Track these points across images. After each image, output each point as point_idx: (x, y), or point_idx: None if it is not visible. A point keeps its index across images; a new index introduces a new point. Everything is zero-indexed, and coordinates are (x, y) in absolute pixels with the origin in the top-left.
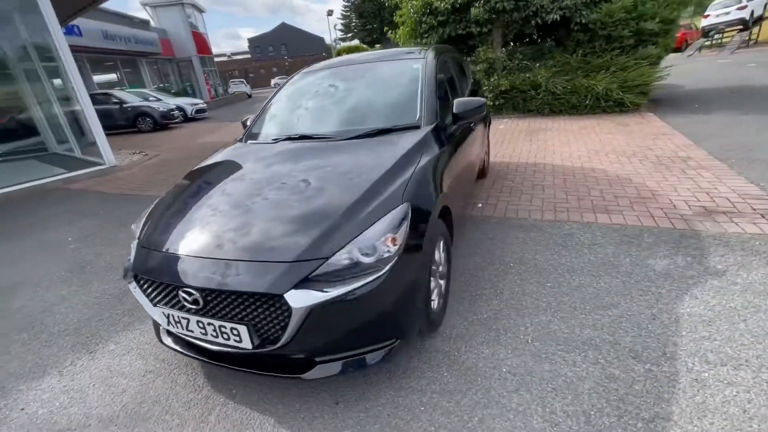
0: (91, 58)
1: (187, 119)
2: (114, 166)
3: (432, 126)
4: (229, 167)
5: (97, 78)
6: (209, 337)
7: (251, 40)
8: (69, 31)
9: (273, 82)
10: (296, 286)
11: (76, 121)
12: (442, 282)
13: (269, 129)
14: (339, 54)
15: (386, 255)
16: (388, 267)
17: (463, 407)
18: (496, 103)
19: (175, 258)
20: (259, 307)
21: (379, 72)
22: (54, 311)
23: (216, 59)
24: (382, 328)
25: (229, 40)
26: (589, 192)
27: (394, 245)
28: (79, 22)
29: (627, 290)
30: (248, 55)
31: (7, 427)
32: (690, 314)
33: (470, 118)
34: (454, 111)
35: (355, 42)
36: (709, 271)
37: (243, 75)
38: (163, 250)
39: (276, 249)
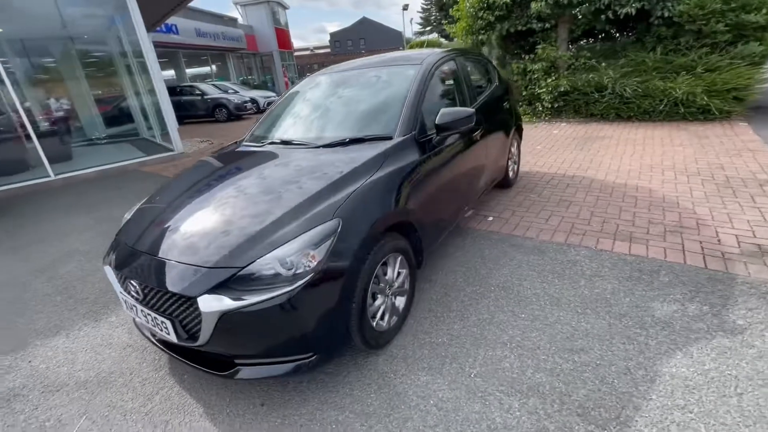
0: (187, 53)
1: (259, 111)
2: (182, 152)
3: (405, 137)
4: (205, 169)
5: (191, 71)
6: (150, 325)
7: (332, 35)
8: (168, 30)
9: None
10: (210, 291)
11: (159, 111)
12: (398, 299)
13: (261, 132)
14: (411, 48)
15: (302, 270)
16: (301, 282)
17: None
18: (555, 105)
19: (131, 251)
20: (179, 306)
21: (373, 78)
22: (86, 280)
23: (299, 53)
24: (298, 341)
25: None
26: (619, 214)
27: (313, 261)
28: (177, 21)
29: (609, 335)
30: (328, 49)
31: (13, 375)
32: (673, 375)
33: (456, 129)
34: (436, 121)
35: (433, 36)
36: (723, 327)
37: (321, 68)
38: (126, 242)
39: (199, 254)
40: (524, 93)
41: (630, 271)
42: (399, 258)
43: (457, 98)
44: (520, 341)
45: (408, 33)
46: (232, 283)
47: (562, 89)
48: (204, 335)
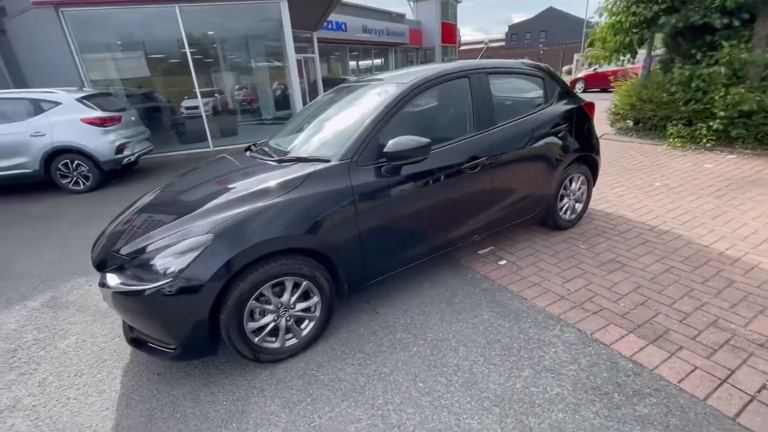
0: (353, 48)
1: None
2: None
3: (342, 162)
4: (192, 173)
5: (360, 64)
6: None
7: (511, 27)
8: (338, 27)
9: None
10: (112, 270)
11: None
12: (304, 325)
13: (272, 137)
14: (590, 43)
15: (165, 274)
16: (159, 284)
17: None
18: (728, 129)
19: (101, 235)
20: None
21: (363, 95)
22: None
23: (470, 47)
24: (160, 332)
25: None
26: (677, 299)
27: (174, 269)
28: (346, 19)
29: None
30: (502, 43)
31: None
32: None
33: (408, 160)
34: (384, 149)
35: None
36: None
37: None
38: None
39: (118, 245)
40: (683, 108)
41: (607, 381)
42: (304, 283)
43: (452, 122)
44: (387, 412)
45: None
46: (125, 269)
47: (747, 107)
48: (110, 305)
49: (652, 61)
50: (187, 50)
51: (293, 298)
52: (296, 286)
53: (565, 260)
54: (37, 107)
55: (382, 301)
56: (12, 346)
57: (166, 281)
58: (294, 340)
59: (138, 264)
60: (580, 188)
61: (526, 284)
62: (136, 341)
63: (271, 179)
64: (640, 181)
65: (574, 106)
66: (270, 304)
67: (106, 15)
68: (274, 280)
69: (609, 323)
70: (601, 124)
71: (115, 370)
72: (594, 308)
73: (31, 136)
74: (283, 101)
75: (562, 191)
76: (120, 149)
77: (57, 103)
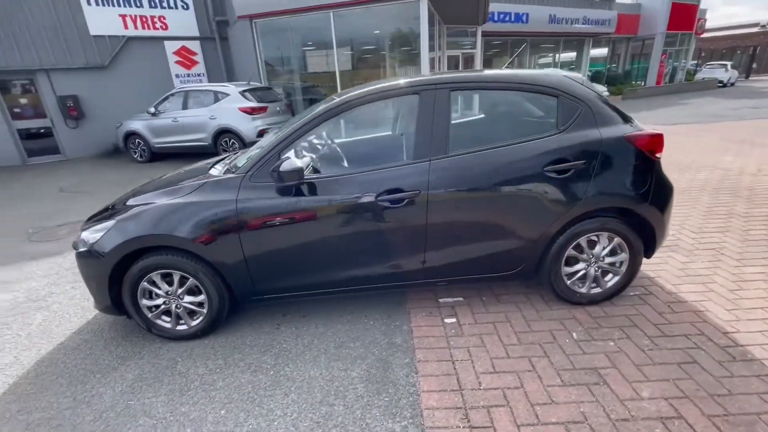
0: (534, 41)
1: None
2: None
3: (239, 175)
4: (169, 174)
5: (546, 59)
6: None
7: None
8: (517, 19)
9: None
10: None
11: None
12: (196, 317)
13: None
14: None
15: (87, 242)
16: (83, 249)
17: None
18: None
19: None
20: None
21: (314, 109)
22: None
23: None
24: (87, 285)
25: None
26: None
27: (89, 242)
28: (530, 9)
29: None
30: None
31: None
32: None
33: (282, 182)
34: (271, 169)
35: None
36: None
37: (749, 53)
38: None
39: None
40: None
41: None
42: (190, 279)
43: (387, 147)
44: (178, 421)
45: None
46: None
47: None
48: None
49: None
50: (335, 50)
51: (180, 290)
52: (185, 279)
53: (527, 345)
54: (216, 97)
55: (297, 320)
56: None
57: (85, 248)
58: (184, 327)
59: (83, 234)
60: (613, 255)
61: (439, 356)
62: None
63: (180, 186)
64: None
65: (607, 137)
66: (160, 289)
67: (280, 23)
68: (162, 270)
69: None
70: None
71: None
72: (480, 421)
73: (209, 118)
74: None
75: (573, 252)
76: (261, 133)
77: (227, 95)
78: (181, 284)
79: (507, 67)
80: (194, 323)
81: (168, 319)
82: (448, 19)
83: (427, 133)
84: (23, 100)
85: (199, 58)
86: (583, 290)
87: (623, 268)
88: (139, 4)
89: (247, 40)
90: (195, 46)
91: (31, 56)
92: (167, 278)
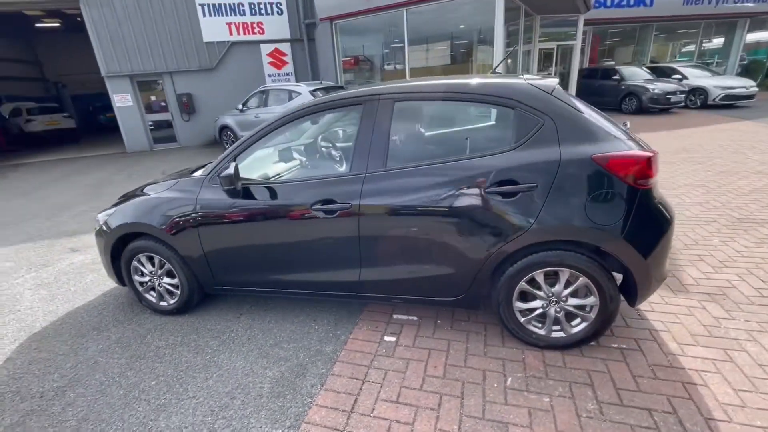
0: (663, 27)
1: (705, 106)
2: None
3: (202, 177)
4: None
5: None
6: None
7: None
8: (638, 3)
9: None
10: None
11: None
12: (173, 298)
13: None
14: None
15: (100, 220)
16: (97, 227)
17: None
18: None
19: None
20: None
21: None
22: None
23: None
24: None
25: None
26: None
27: (102, 220)
28: None
29: None
30: None
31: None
32: None
33: (227, 186)
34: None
35: None
36: None
37: None
38: None
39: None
40: None
41: None
42: (166, 264)
43: (330, 157)
44: (94, 373)
45: None
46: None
47: None
48: None
49: None
50: (406, 48)
51: (160, 272)
52: (164, 263)
53: (449, 381)
54: (290, 96)
55: (257, 313)
56: None
57: (99, 227)
58: (165, 304)
59: (98, 215)
60: (579, 297)
61: (354, 373)
62: None
63: (166, 182)
64: None
65: (569, 157)
66: (146, 268)
67: (357, 23)
68: (147, 253)
69: None
70: None
71: None
72: None
73: None
74: None
75: (528, 287)
76: None
77: (299, 94)
78: (161, 267)
79: (496, 69)
80: (172, 302)
81: (154, 294)
82: (541, 9)
83: (366, 145)
84: (153, 98)
85: (288, 58)
86: (542, 332)
87: (593, 314)
88: (242, 13)
89: (327, 41)
90: (286, 47)
91: (160, 62)
92: (152, 260)
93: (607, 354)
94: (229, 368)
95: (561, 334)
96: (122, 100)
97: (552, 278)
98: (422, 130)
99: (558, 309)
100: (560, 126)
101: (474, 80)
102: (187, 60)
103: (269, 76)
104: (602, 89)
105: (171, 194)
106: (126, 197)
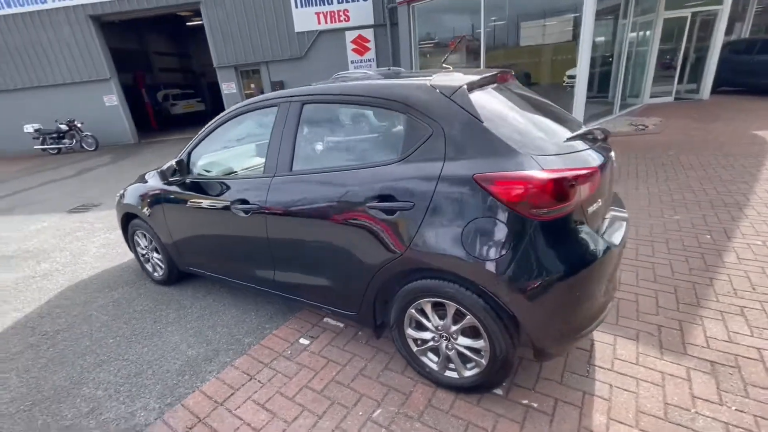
0: None
1: None
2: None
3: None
4: None
5: None
6: None
7: None
8: None
9: None
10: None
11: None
12: (160, 270)
13: None
14: None
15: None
16: (117, 197)
17: None
18: None
19: None
20: None
21: None
22: None
23: None
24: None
25: None
26: None
27: (120, 193)
28: None
29: None
30: None
31: None
32: None
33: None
34: None
35: None
36: None
37: None
38: None
39: None
40: None
41: None
42: (152, 240)
43: (250, 158)
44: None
45: None
46: None
47: None
48: None
49: None
50: (482, 30)
51: (150, 247)
52: (151, 241)
53: (321, 398)
54: None
55: (221, 295)
56: None
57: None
58: (157, 274)
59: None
60: (470, 337)
61: (249, 368)
62: None
63: (152, 173)
64: None
65: (449, 174)
66: (141, 242)
67: (434, 5)
68: (142, 231)
69: None
70: None
71: None
72: None
73: None
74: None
75: (417, 316)
76: None
77: None
78: (150, 243)
79: (444, 62)
80: (160, 274)
81: (149, 265)
82: None
83: (276, 148)
84: (252, 85)
85: (371, 44)
86: (435, 367)
87: (485, 360)
88: (329, 2)
89: (404, 25)
90: (369, 33)
91: (258, 53)
92: (145, 237)
93: (506, 410)
94: (167, 341)
95: (455, 375)
96: (228, 87)
97: (443, 310)
98: (328, 134)
99: (449, 346)
100: (449, 136)
101: (372, 82)
102: (281, 50)
103: (352, 62)
104: (760, 67)
105: (151, 182)
106: (138, 179)
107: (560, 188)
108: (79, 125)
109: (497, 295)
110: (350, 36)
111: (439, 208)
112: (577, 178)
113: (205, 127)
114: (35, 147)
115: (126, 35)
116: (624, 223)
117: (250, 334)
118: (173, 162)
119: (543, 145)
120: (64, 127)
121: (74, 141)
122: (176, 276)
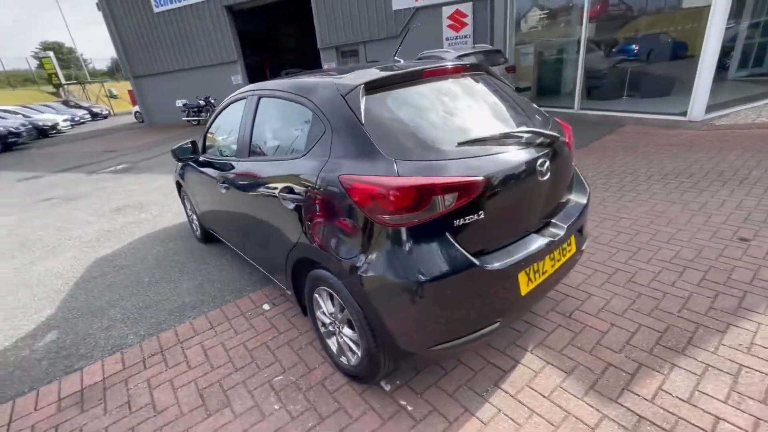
0: None
1: None
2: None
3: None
4: None
5: None
6: None
7: None
8: None
9: None
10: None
11: None
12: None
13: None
14: None
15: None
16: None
17: None
18: None
19: None
20: None
21: None
22: None
23: None
24: None
25: None
26: None
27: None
28: None
29: None
30: None
31: None
32: None
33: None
34: None
35: None
36: None
37: None
38: None
39: None
40: None
41: None
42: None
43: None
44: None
45: None
46: None
47: None
48: None
49: None
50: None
51: (190, 208)
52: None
53: (224, 353)
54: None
55: (238, 258)
56: None
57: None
58: (196, 234)
59: None
60: (352, 328)
61: (200, 327)
62: None
63: None
64: None
65: (323, 174)
66: (186, 205)
67: None
68: (183, 195)
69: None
70: None
71: None
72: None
73: None
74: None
75: (320, 301)
76: None
77: (443, 59)
78: (190, 205)
79: (396, 55)
80: (197, 233)
81: (193, 225)
82: None
83: (242, 135)
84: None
85: (468, 20)
86: (335, 350)
87: (360, 353)
88: None
89: (500, 2)
90: (467, 8)
91: (357, 33)
92: (189, 202)
93: (381, 405)
94: (178, 287)
95: (345, 362)
96: (329, 67)
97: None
98: (273, 125)
99: (340, 333)
100: (336, 135)
101: (299, 80)
102: (378, 29)
103: (447, 39)
104: None
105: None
106: None
107: (409, 196)
108: (212, 101)
109: (353, 293)
110: (447, 12)
111: (320, 205)
112: (432, 187)
113: (214, 114)
114: (182, 119)
115: (254, 20)
116: (548, 239)
117: (233, 293)
118: (189, 143)
119: (422, 150)
120: (201, 102)
121: (209, 114)
122: (205, 235)
